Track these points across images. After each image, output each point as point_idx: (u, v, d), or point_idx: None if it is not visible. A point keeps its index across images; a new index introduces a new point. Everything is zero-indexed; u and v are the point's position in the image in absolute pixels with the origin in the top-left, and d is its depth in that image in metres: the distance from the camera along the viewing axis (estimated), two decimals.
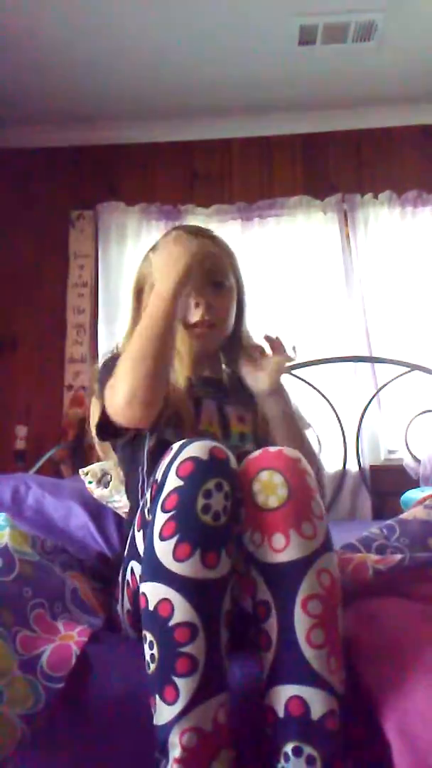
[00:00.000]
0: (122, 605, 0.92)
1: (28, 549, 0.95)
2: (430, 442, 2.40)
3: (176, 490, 0.74)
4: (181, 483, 0.74)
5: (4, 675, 0.71)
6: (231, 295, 1.18)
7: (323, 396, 2.52)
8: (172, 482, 0.74)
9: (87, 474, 1.64)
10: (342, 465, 2.56)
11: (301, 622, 0.71)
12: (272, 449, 0.81)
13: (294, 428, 1.13)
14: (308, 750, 0.68)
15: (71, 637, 0.83)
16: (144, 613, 0.72)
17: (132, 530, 0.88)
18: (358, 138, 3.01)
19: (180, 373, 1.10)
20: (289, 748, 0.68)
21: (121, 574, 0.93)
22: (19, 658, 0.75)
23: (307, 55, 2.62)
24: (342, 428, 2.54)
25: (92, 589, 1.00)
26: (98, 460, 1.80)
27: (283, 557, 0.73)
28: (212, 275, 1.15)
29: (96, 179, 3.07)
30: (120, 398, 0.94)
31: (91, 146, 3.09)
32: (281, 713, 0.70)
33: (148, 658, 0.71)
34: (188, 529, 0.71)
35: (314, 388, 2.52)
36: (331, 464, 2.56)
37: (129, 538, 0.90)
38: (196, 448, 0.76)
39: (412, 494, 2.05)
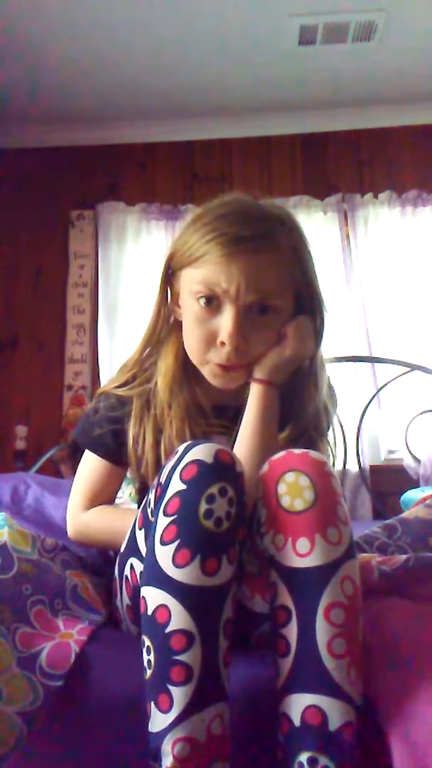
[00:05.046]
0: (122, 600, 0.92)
1: (28, 548, 0.95)
2: (430, 442, 2.40)
3: (178, 493, 0.72)
4: (183, 487, 0.72)
5: (3, 672, 0.71)
6: (280, 319, 0.94)
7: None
8: (175, 486, 0.73)
9: None
10: (342, 465, 2.56)
11: (322, 631, 0.69)
12: (297, 451, 0.78)
13: (256, 446, 0.92)
14: (324, 761, 0.66)
15: (71, 636, 0.83)
16: (143, 617, 0.71)
17: (133, 527, 0.88)
18: (358, 138, 3.02)
19: (174, 413, 0.96)
20: (303, 758, 0.67)
21: (118, 569, 0.93)
22: (19, 655, 0.75)
23: (307, 55, 2.62)
24: (342, 428, 2.54)
25: (93, 585, 0.99)
26: None
27: (307, 562, 0.71)
28: (256, 302, 0.91)
29: (96, 179, 3.08)
30: (71, 531, 1.05)
31: (91, 146, 3.10)
32: (297, 722, 0.68)
33: (145, 663, 0.70)
34: (189, 535, 0.70)
35: None
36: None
37: (129, 534, 0.89)
38: (201, 451, 0.74)
39: (412, 494, 2.04)
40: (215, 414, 0.99)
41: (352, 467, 2.57)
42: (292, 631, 0.71)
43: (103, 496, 1.05)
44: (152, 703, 0.68)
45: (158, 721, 0.67)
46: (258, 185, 2.97)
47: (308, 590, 0.71)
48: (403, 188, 2.89)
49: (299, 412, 0.98)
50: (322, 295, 0.99)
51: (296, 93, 2.87)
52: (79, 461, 1.09)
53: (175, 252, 0.97)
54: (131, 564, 0.88)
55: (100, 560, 1.12)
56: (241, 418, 0.95)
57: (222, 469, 0.73)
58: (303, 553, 0.72)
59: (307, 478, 0.75)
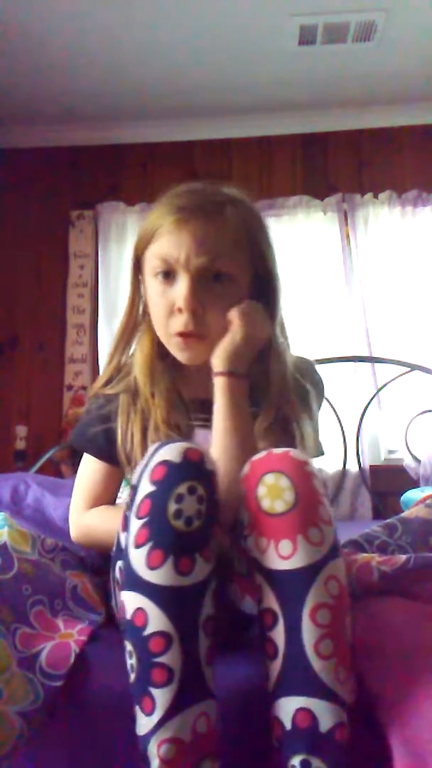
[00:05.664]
0: (116, 602, 0.92)
1: (27, 548, 0.95)
2: (430, 442, 2.40)
3: (149, 495, 0.72)
4: (153, 488, 0.72)
5: (3, 672, 0.71)
6: (236, 290, 0.95)
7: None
8: (145, 488, 0.73)
9: None
10: (342, 465, 2.56)
11: (309, 633, 0.69)
12: (277, 451, 0.78)
13: (230, 441, 0.91)
14: (316, 763, 0.66)
15: (71, 636, 0.83)
16: (123, 622, 0.71)
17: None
18: (358, 138, 3.02)
19: (158, 402, 0.96)
20: (296, 761, 0.67)
21: (111, 572, 0.93)
22: (19, 655, 0.75)
23: (307, 55, 2.62)
24: (342, 428, 2.54)
25: (93, 585, 0.99)
26: None
27: (290, 564, 0.71)
28: (207, 266, 0.92)
29: (96, 179, 3.08)
30: (74, 533, 1.06)
31: (91, 146, 3.10)
32: (288, 725, 0.68)
33: (128, 667, 0.70)
34: (160, 536, 0.69)
35: None
36: (331, 464, 2.56)
37: (116, 537, 0.89)
38: (169, 451, 0.73)
39: (412, 494, 2.05)
40: (196, 408, 0.99)
41: (352, 467, 2.57)
42: (279, 634, 0.71)
43: (104, 497, 1.05)
44: (137, 706, 0.68)
45: (143, 724, 0.67)
46: (258, 185, 2.97)
47: (293, 592, 0.71)
48: (403, 188, 2.89)
49: (267, 390, 0.98)
50: (279, 278, 1.01)
51: (296, 93, 2.86)
52: (79, 462, 1.09)
53: (138, 238, 1.00)
54: (119, 566, 0.88)
55: (100, 560, 1.12)
56: None
57: (190, 467, 0.73)
58: (285, 555, 0.72)
59: (287, 479, 0.74)
